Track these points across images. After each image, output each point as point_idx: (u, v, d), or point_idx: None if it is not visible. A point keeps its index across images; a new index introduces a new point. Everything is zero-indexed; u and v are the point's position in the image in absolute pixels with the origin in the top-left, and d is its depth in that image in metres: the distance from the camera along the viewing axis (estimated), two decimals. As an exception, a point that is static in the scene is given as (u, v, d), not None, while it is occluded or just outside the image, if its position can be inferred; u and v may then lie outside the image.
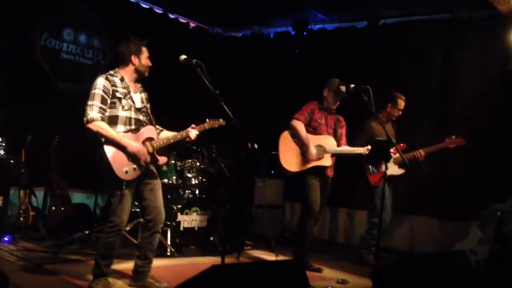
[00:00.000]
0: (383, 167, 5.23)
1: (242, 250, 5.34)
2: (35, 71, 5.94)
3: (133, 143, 3.63)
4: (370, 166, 5.26)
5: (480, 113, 5.91)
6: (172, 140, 3.84)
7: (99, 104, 3.57)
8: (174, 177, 5.50)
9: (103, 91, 3.60)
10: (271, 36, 7.90)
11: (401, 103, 5.45)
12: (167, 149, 4.04)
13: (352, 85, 4.50)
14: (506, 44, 5.67)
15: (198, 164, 5.64)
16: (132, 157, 3.62)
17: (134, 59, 3.74)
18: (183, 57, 3.76)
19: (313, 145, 4.78)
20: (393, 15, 6.59)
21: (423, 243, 6.12)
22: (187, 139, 3.89)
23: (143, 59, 3.77)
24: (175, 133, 3.89)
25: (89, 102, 3.58)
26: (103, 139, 3.56)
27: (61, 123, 5.86)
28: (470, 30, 6.06)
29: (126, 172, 3.60)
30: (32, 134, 5.35)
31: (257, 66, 7.66)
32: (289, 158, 4.84)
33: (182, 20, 7.59)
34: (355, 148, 4.81)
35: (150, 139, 3.76)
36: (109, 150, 3.56)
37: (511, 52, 5.71)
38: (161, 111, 4.25)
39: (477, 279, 3.00)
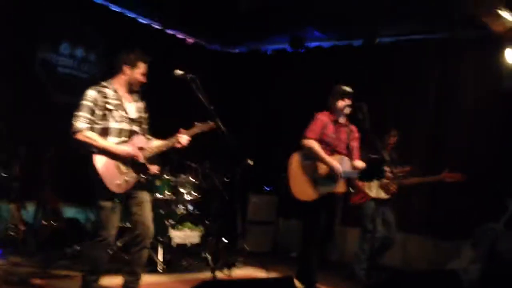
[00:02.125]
0: (365, 186, 5.27)
1: (234, 266, 5.29)
2: (32, 84, 5.95)
3: (125, 148, 3.61)
4: (349, 187, 5.14)
5: (476, 133, 5.95)
6: (163, 148, 3.77)
7: (87, 115, 3.55)
8: (167, 192, 5.47)
9: (92, 102, 3.58)
10: (268, 53, 7.95)
11: (391, 139, 5.54)
12: (160, 161, 4.00)
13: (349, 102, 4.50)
14: (501, 64, 5.72)
15: (191, 179, 5.62)
16: (125, 167, 3.59)
17: (126, 69, 3.71)
18: (178, 71, 3.77)
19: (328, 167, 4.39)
20: (390, 33, 6.66)
21: (416, 261, 6.09)
22: (178, 145, 3.78)
23: (137, 72, 3.72)
24: (165, 141, 3.82)
25: (76, 113, 3.57)
26: (94, 150, 3.53)
27: (55, 136, 5.82)
28: (466, 50, 6.12)
29: (118, 184, 3.57)
30: (26, 147, 5.32)
31: (254, 83, 7.70)
32: (300, 184, 4.48)
33: (180, 36, 7.64)
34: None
35: (140, 148, 3.71)
36: (99, 162, 3.54)
37: (506, 71, 5.76)
38: (156, 126, 4.24)
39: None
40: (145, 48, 3.91)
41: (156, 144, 3.82)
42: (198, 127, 3.84)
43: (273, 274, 5.19)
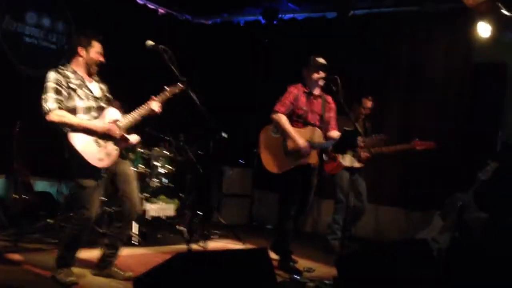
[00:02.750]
0: (339, 156, 5.34)
1: (209, 239, 5.32)
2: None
3: (100, 123, 3.56)
4: (323, 155, 5.19)
5: (445, 104, 6.06)
6: (137, 116, 3.72)
7: (54, 96, 3.48)
8: (141, 166, 5.43)
9: (55, 83, 3.51)
10: (241, 25, 7.85)
11: (368, 103, 5.60)
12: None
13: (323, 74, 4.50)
14: (471, 37, 5.79)
15: (165, 152, 5.58)
16: (104, 140, 3.54)
17: (81, 50, 3.64)
18: (150, 42, 3.72)
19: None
20: (363, 6, 6.65)
21: (388, 232, 6.25)
22: (152, 113, 3.73)
23: (93, 52, 3.66)
24: (138, 109, 3.75)
25: (43, 96, 3.49)
26: (68, 130, 3.46)
27: (23, 109, 5.67)
28: (436, 23, 6.18)
29: (101, 159, 3.53)
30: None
31: (227, 54, 7.62)
32: (270, 157, 4.51)
33: (151, 6, 7.45)
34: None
35: (115, 120, 3.66)
36: (77, 140, 3.48)
37: (476, 45, 5.84)
38: (128, 98, 4.17)
39: (438, 266, 3.07)
40: (114, 18, 3.82)
41: (130, 115, 3.76)
42: (169, 91, 3.78)
43: (249, 246, 5.25)
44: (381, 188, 6.32)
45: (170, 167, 5.61)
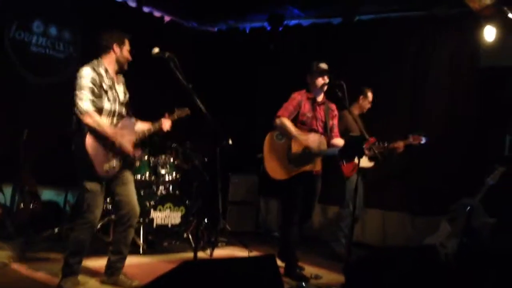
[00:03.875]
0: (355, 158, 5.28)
1: (216, 246, 5.31)
2: (4, 65, 5.78)
3: (122, 140, 3.59)
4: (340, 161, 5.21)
5: (451, 109, 6.04)
6: (147, 134, 3.82)
7: (89, 96, 3.49)
8: (147, 173, 5.43)
9: (92, 82, 3.52)
10: (247, 31, 7.87)
11: (370, 96, 5.64)
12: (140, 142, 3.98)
13: (327, 80, 4.50)
14: (478, 41, 5.77)
15: (171, 160, 5.58)
16: (114, 153, 3.58)
17: (116, 48, 3.69)
18: (156, 50, 3.73)
19: (301, 147, 4.39)
20: (369, 11, 6.65)
21: (394, 238, 6.20)
22: (160, 131, 3.85)
23: (125, 50, 3.74)
24: (149, 125, 3.85)
25: (77, 92, 3.49)
26: (87, 131, 3.48)
27: (30, 118, 5.72)
28: (443, 28, 6.16)
29: (107, 171, 3.57)
30: (0, 129, 5.20)
31: (233, 61, 7.63)
32: (274, 164, 4.46)
33: (157, 14, 7.49)
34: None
35: (129, 134, 3.71)
36: (90, 144, 3.50)
37: (483, 49, 5.82)
38: (136, 106, 4.18)
39: (446, 271, 3.05)
40: (120, 27, 3.86)
41: (141, 128, 3.84)
42: (177, 113, 3.93)
43: (255, 254, 5.23)
44: (387, 194, 6.28)
45: (176, 175, 5.61)
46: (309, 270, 4.74)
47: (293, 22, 7.32)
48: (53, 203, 5.73)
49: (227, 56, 7.68)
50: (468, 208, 4.86)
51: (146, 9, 7.28)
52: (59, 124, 4.86)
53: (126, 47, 3.75)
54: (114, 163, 3.60)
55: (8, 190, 5.37)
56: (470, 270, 3.65)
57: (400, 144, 5.33)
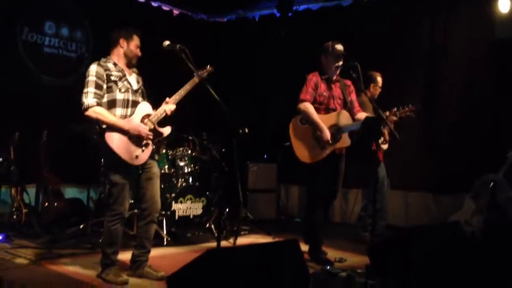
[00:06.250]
0: (380, 143, 5.20)
1: (239, 235, 5.33)
2: (18, 67, 5.86)
3: (133, 126, 3.62)
4: (376, 143, 5.03)
5: (469, 82, 5.92)
6: (161, 117, 3.80)
7: (94, 90, 3.58)
8: (166, 166, 5.47)
9: (96, 76, 3.61)
10: (256, 20, 7.83)
11: (380, 80, 5.45)
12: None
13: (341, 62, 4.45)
14: (493, 13, 5.65)
15: (189, 152, 5.61)
16: (137, 139, 3.62)
17: (122, 42, 3.74)
18: (167, 42, 3.77)
19: (326, 126, 4.36)
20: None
21: (418, 218, 6.15)
22: (165, 115, 3.81)
23: (132, 45, 3.77)
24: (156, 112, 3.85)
25: (84, 90, 3.60)
26: (104, 127, 3.57)
27: (47, 118, 5.80)
28: (457, 1, 6.04)
29: (137, 156, 3.63)
30: (19, 131, 5.29)
31: (244, 50, 7.61)
32: (302, 149, 4.43)
33: (165, 8, 7.49)
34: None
35: (147, 115, 3.76)
36: (112, 139, 3.56)
37: (498, 21, 5.69)
38: (150, 100, 4.20)
39: (473, 248, 3.01)
40: (130, 22, 3.90)
41: (161, 108, 3.84)
42: (184, 89, 3.85)
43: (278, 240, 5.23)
44: (409, 174, 6.22)
45: (195, 166, 5.64)
46: (332, 254, 4.72)
47: (302, 7, 7.26)
48: (76, 200, 5.82)
49: (238, 45, 7.66)
50: (492, 183, 4.79)
51: (155, 4, 7.29)
52: (76, 122, 4.90)
53: (134, 42, 3.78)
54: (142, 147, 3.66)
55: (32, 191, 5.46)
56: (497, 246, 3.60)
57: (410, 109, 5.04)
